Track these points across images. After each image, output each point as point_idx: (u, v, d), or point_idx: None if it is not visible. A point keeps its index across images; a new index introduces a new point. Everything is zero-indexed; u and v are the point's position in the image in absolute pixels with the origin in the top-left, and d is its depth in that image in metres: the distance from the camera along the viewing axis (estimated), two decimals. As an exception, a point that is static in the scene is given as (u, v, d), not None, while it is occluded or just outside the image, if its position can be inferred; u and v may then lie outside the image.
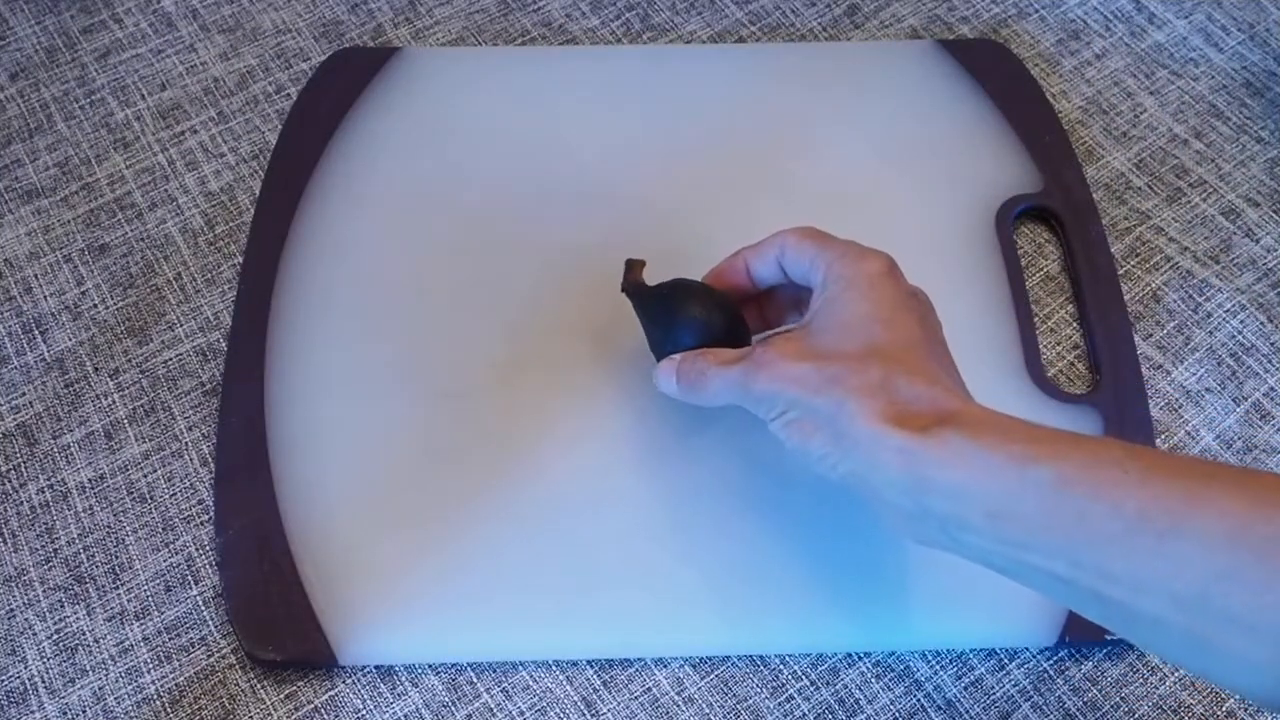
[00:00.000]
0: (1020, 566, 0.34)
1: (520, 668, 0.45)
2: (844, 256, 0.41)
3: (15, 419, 0.50)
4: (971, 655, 0.45)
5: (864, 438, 0.36)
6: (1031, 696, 0.44)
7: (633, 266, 0.47)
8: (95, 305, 0.53)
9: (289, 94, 0.59)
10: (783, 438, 0.40)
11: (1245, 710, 0.44)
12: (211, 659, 0.45)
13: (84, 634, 0.45)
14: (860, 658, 0.45)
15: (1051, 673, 0.45)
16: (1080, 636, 0.44)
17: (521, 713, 0.44)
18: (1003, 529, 0.34)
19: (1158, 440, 0.49)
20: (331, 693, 0.44)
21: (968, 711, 0.44)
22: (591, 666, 0.45)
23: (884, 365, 0.37)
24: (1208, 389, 0.51)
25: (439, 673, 0.45)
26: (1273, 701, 0.30)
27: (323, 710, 0.44)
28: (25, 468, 0.49)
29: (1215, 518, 0.30)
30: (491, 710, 0.44)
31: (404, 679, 0.45)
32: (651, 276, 0.47)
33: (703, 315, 0.44)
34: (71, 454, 0.49)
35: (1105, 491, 0.32)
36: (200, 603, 0.46)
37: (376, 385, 0.49)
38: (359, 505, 0.46)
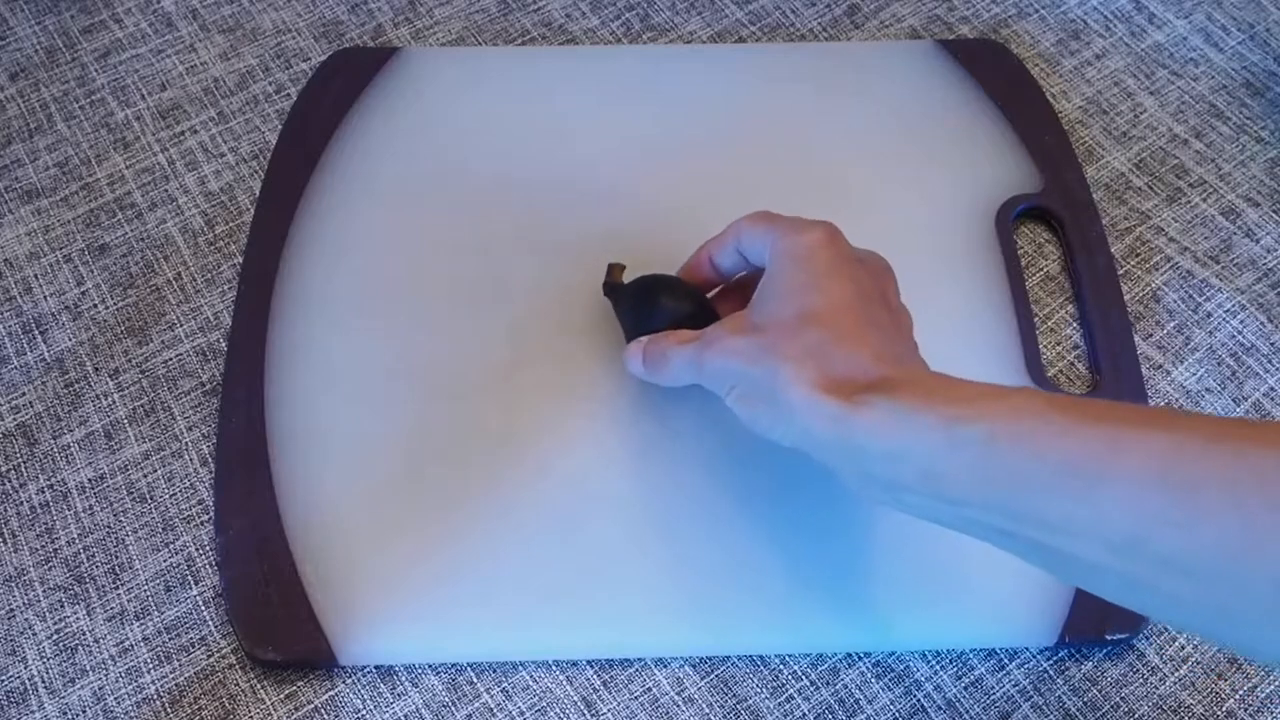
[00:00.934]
0: (962, 521, 0.35)
1: (520, 668, 0.45)
2: (787, 232, 0.41)
3: (15, 419, 0.50)
4: (971, 655, 0.45)
5: (798, 405, 0.37)
6: (1031, 696, 0.44)
7: (613, 270, 0.49)
8: (95, 305, 0.53)
9: (289, 94, 0.59)
10: (736, 413, 0.41)
11: (1245, 710, 0.44)
12: (211, 659, 0.45)
13: (84, 634, 0.45)
14: (860, 658, 0.45)
15: (1051, 673, 0.45)
16: (1080, 636, 0.44)
17: (521, 713, 0.44)
18: (939, 487, 0.34)
19: (1158, 440, 0.49)
20: (331, 693, 0.44)
21: (968, 711, 0.44)
22: (591, 666, 0.45)
23: (816, 331, 0.38)
24: (1208, 389, 0.51)
25: (439, 673, 0.45)
26: (1218, 637, 0.30)
27: (323, 710, 0.44)
28: (25, 468, 0.49)
29: (1140, 462, 0.30)
30: (491, 710, 0.44)
31: (404, 679, 0.45)
32: (651, 274, 0.47)
33: (670, 304, 0.45)
34: (71, 454, 0.49)
35: (1032, 444, 0.32)
36: (200, 603, 0.46)
37: (376, 385, 0.49)
38: (359, 505, 0.46)
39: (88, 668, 0.45)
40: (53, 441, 0.50)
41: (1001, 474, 0.33)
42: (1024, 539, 0.33)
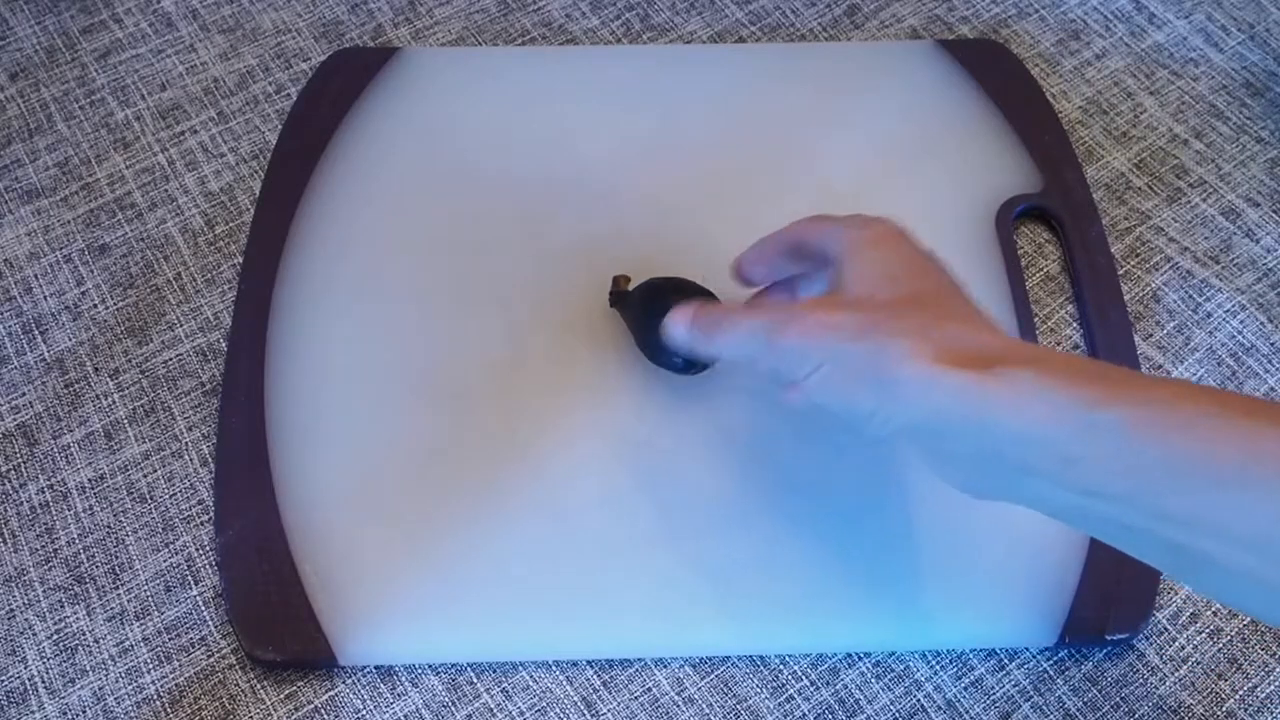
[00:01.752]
0: (1085, 515, 0.32)
1: (520, 668, 0.45)
2: (856, 225, 0.40)
3: (15, 419, 0.50)
4: (971, 655, 0.45)
5: (915, 381, 0.34)
6: (1031, 696, 0.44)
7: (618, 281, 0.49)
8: (95, 305, 0.53)
9: (289, 94, 0.59)
10: (816, 397, 0.37)
11: (1245, 710, 0.44)
12: (211, 659, 0.45)
13: (84, 634, 0.45)
14: (860, 658, 0.45)
15: (1051, 673, 0.45)
16: (1080, 636, 0.44)
17: (521, 713, 0.44)
18: (1073, 475, 0.32)
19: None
20: (331, 693, 0.44)
21: (968, 711, 0.44)
22: (591, 666, 0.45)
23: (922, 310, 0.36)
24: (1208, 389, 0.51)
25: (439, 673, 0.45)
26: None
27: (323, 710, 0.44)
28: (25, 468, 0.49)
29: None
30: (491, 710, 0.44)
31: (404, 679, 0.45)
32: (650, 274, 0.47)
33: (680, 301, 0.44)
34: (71, 454, 0.49)
35: (1192, 436, 0.30)
36: (200, 603, 0.46)
37: (376, 385, 0.49)
38: (359, 505, 0.46)
39: (88, 668, 0.45)
40: (53, 441, 0.50)
41: (1155, 464, 0.30)
42: (1157, 537, 0.31)
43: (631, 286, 0.48)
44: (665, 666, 0.45)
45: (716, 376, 0.47)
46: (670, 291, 0.46)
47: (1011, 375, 0.32)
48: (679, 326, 0.42)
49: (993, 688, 0.44)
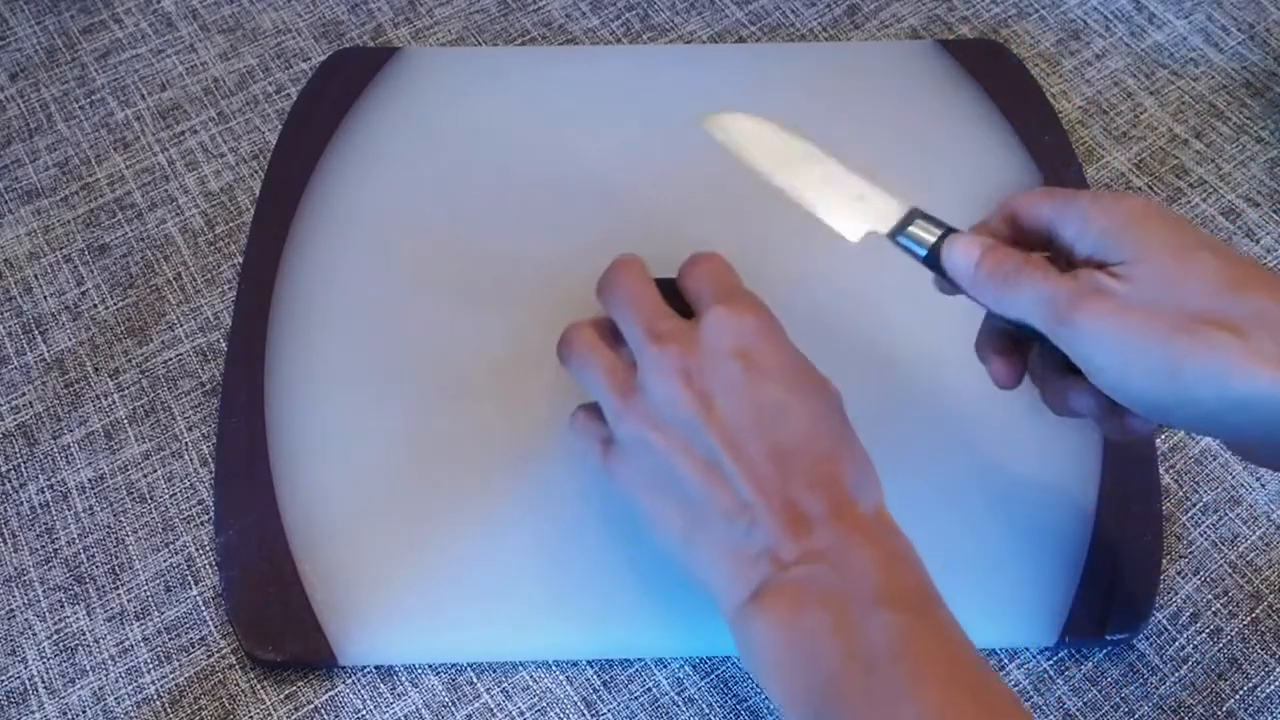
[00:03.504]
0: None
1: (520, 668, 0.45)
2: (1099, 198, 0.37)
3: (15, 419, 0.50)
4: (971, 655, 0.45)
5: (1263, 386, 0.32)
6: (1031, 696, 0.44)
7: None
8: (95, 305, 0.53)
9: (289, 94, 0.59)
10: (1111, 392, 0.35)
11: (1245, 710, 0.44)
12: (211, 659, 0.45)
13: (84, 634, 0.45)
14: (860, 658, 0.45)
15: (1051, 673, 0.45)
16: (1080, 636, 0.44)
17: (521, 713, 0.44)
18: None
19: (1158, 440, 0.49)
20: (331, 693, 0.44)
21: (968, 711, 0.44)
22: (591, 666, 0.45)
23: (1251, 297, 0.33)
24: (1208, 389, 0.51)
25: (439, 673, 0.45)
26: None
27: (323, 710, 0.44)
28: (25, 468, 0.49)
29: None
30: (491, 710, 0.44)
31: (404, 679, 0.45)
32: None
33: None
34: (71, 454, 0.49)
35: None
36: (200, 603, 0.46)
37: (377, 385, 0.49)
38: (359, 505, 0.46)
39: (88, 668, 0.45)
40: (53, 441, 0.50)
41: None
42: None
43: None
44: (665, 666, 0.45)
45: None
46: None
47: None
48: (963, 259, 0.39)
49: (993, 688, 0.44)
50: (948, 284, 0.40)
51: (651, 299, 0.41)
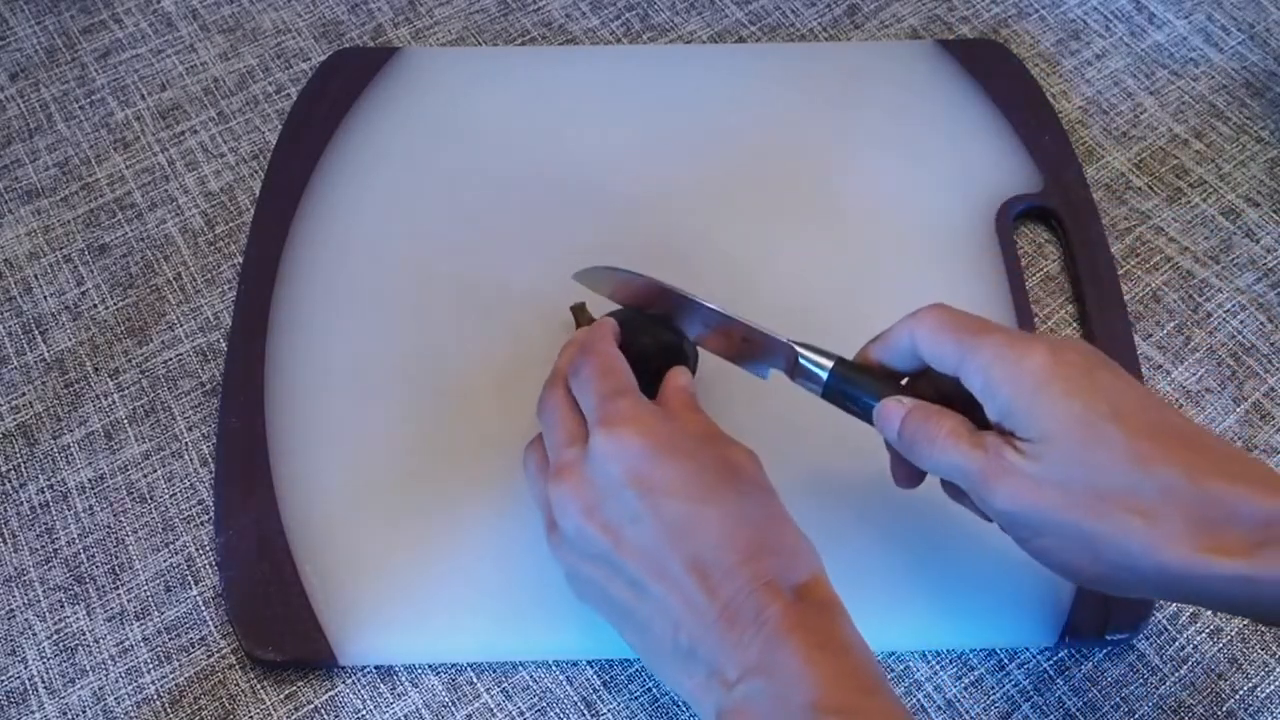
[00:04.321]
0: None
1: (520, 668, 0.45)
2: (1000, 356, 0.36)
3: (15, 419, 0.50)
4: (971, 655, 0.45)
5: (1177, 568, 0.33)
6: (1031, 696, 0.44)
7: (577, 314, 0.48)
8: (95, 305, 0.53)
9: (289, 94, 0.59)
10: (1039, 559, 0.36)
11: (1245, 710, 0.44)
12: (211, 659, 0.45)
13: (84, 634, 0.45)
14: (860, 658, 0.45)
15: (1051, 673, 0.45)
16: (1080, 636, 0.44)
17: (521, 713, 0.44)
18: None
19: (1158, 440, 0.49)
20: (331, 693, 0.44)
21: (968, 711, 0.44)
22: (591, 666, 0.45)
23: (1158, 471, 0.33)
24: (1208, 389, 0.51)
25: (439, 673, 0.45)
26: None
27: (323, 710, 0.44)
28: (25, 468, 0.49)
29: None
30: (491, 710, 0.44)
31: (404, 679, 0.45)
32: (651, 275, 0.47)
33: (649, 342, 0.44)
34: (71, 454, 0.49)
35: None
36: (200, 603, 0.46)
37: (376, 385, 0.49)
38: (359, 505, 0.46)
39: (88, 668, 0.45)
40: (53, 441, 0.49)
41: None
42: None
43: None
44: (665, 666, 0.45)
45: (717, 380, 0.47)
46: (638, 330, 0.44)
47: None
48: (890, 424, 0.39)
49: (993, 688, 0.44)
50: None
51: (561, 418, 0.40)
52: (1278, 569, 0.32)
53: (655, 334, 0.44)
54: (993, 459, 0.36)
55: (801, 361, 0.41)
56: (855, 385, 0.41)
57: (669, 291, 0.43)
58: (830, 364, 0.41)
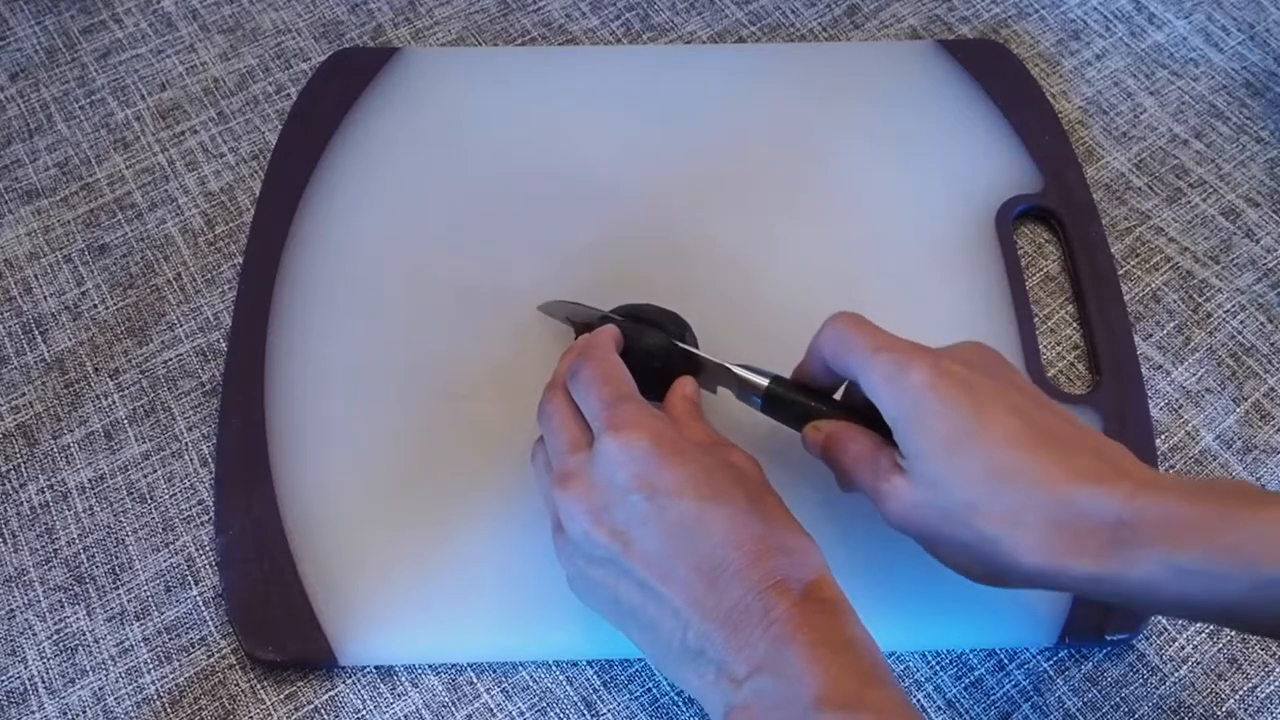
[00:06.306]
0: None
1: (520, 668, 0.45)
2: (886, 376, 0.38)
3: (15, 419, 0.50)
4: (971, 655, 0.45)
5: (1035, 575, 0.35)
6: (1031, 697, 0.44)
7: (577, 327, 0.48)
8: (95, 305, 0.53)
9: (289, 94, 0.59)
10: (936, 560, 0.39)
11: (1245, 710, 0.44)
12: (211, 659, 0.45)
13: (84, 634, 0.45)
14: (860, 658, 0.45)
15: (1051, 673, 0.45)
16: (1080, 637, 0.44)
17: (521, 713, 0.44)
18: (1236, 620, 0.35)
19: (1158, 440, 0.49)
20: (331, 693, 0.44)
21: (968, 711, 0.44)
22: (591, 666, 0.45)
23: (1013, 487, 0.35)
24: (1208, 389, 0.51)
25: (439, 673, 0.45)
26: None
27: (323, 710, 0.44)
28: (25, 468, 0.49)
29: None
30: (491, 710, 0.44)
31: (404, 679, 0.45)
32: (651, 275, 0.47)
33: (653, 344, 0.44)
34: (71, 454, 0.49)
35: None
36: (200, 603, 0.46)
37: (376, 385, 0.49)
38: (359, 505, 0.46)
39: (88, 668, 0.45)
40: (53, 441, 0.50)
41: None
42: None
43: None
44: (665, 666, 0.45)
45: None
46: (640, 335, 0.44)
47: (1139, 558, 0.34)
48: (812, 451, 0.42)
49: (993, 688, 0.44)
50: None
51: (563, 423, 0.41)
52: (1124, 569, 0.34)
53: (655, 339, 0.44)
54: (881, 482, 0.38)
55: (741, 381, 0.43)
56: (786, 405, 0.43)
57: (612, 321, 0.45)
58: (765, 383, 0.42)
